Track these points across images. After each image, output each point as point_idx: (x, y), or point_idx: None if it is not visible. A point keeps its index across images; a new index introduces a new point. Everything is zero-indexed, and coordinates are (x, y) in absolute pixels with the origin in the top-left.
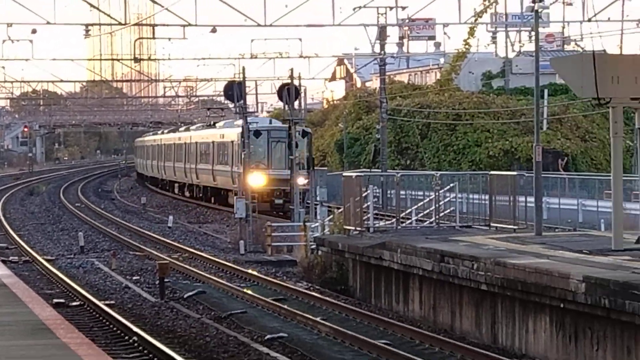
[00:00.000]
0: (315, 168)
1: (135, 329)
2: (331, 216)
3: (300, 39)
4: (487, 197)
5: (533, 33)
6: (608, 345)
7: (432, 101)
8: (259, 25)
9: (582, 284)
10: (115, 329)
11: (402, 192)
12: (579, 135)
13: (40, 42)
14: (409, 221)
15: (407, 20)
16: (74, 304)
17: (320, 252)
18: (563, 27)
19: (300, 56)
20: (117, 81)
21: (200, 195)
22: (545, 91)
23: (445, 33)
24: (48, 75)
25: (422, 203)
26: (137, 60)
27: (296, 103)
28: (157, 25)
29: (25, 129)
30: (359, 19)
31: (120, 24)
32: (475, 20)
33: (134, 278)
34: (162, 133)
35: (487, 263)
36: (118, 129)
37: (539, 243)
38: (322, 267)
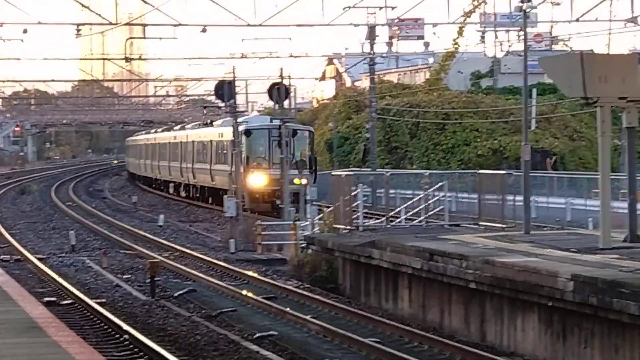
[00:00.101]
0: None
1: (126, 327)
2: (321, 215)
3: (290, 39)
4: (475, 196)
5: (521, 33)
6: (596, 343)
7: (421, 100)
8: (249, 25)
9: (570, 282)
10: (106, 327)
11: (392, 191)
12: (567, 134)
13: (32, 42)
14: (399, 220)
15: (396, 20)
16: (65, 302)
17: (310, 251)
18: (551, 27)
19: (291, 56)
20: (108, 81)
21: (197, 195)
22: (534, 90)
23: (434, 33)
24: (39, 75)
25: (411, 202)
26: (128, 59)
27: (286, 102)
28: (147, 25)
29: (17, 128)
30: (349, 19)
31: (111, 23)
32: (464, 20)
33: (125, 277)
34: (156, 132)
35: (476, 261)
36: (109, 128)
37: (527, 242)
38: (312, 266)
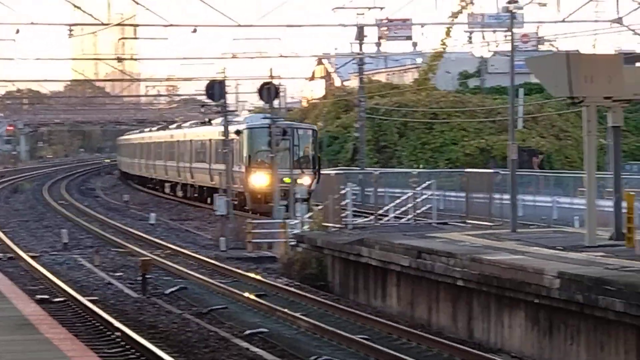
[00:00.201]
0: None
1: (117, 324)
2: (310, 213)
3: (280, 39)
4: (463, 194)
5: (508, 33)
6: (582, 340)
7: (409, 100)
8: (239, 25)
9: (557, 279)
10: (98, 324)
11: (380, 190)
12: (554, 133)
13: (25, 42)
14: (387, 218)
15: (384, 21)
16: (58, 299)
17: (299, 249)
18: (538, 28)
19: (280, 56)
20: (100, 80)
21: (196, 195)
22: (521, 90)
23: (422, 33)
24: (32, 75)
25: (399, 200)
26: (119, 59)
27: (276, 102)
28: (139, 25)
29: (10, 128)
30: (338, 20)
31: (103, 24)
32: (452, 20)
33: (117, 274)
34: (151, 131)
35: (464, 259)
36: (101, 128)
37: (514, 239)
38: (301, 264)
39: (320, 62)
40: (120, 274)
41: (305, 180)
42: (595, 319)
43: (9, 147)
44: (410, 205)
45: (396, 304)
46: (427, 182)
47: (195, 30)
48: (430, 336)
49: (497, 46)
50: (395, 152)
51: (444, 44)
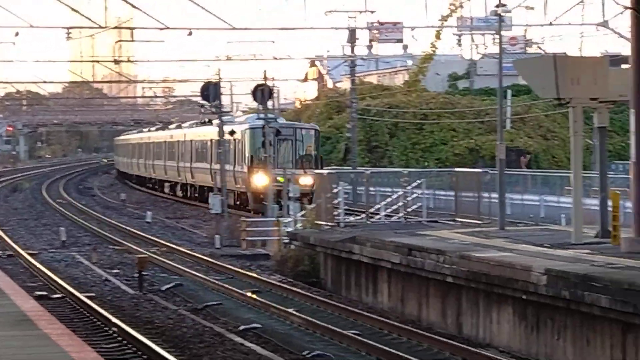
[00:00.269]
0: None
1: (114, 320)
2: (304, 212)
3: (273, 42)
4: (452, 193)
5: (497, 36)
6: (568, 335)
7: (400, 101)
8: (234, 28)
9: (544, 276)
10: (95, 320)
11: (372, 189)
12: (541, 133)
13: (24, 44)
14: (378, 216)
15: (376, 24)
16: (56, 296)
17: (293, 246)
18: (525, 31)
19: (274, 58)
20: (97, 82)
21: (196, 195)
22: (509, 92)
23: (412, 36)
24: (31, 76)
25: (390, 199)
26: (116, 62)
27: (270, 103)
28: (135, 28)
29: (9, 128)
30: (330, 23)
31: (100, 27)
32: (442, 23)
33: (114, 271)
34: (150, 130)
35: (453, 256)
36: (98, 128)
37: (502, 237)
38: (294, 261)
39: (313, 64)
40: (117, 271)
41: (308, 180)
42: (582, 315)
43: (9, 147)
44: (400, 203)
45: (387, 300)
46: (418, 181)
47: (190, 33)
48: (420, 331)
49: (485, 49)
50: (386, 152)
51: (433, 46)
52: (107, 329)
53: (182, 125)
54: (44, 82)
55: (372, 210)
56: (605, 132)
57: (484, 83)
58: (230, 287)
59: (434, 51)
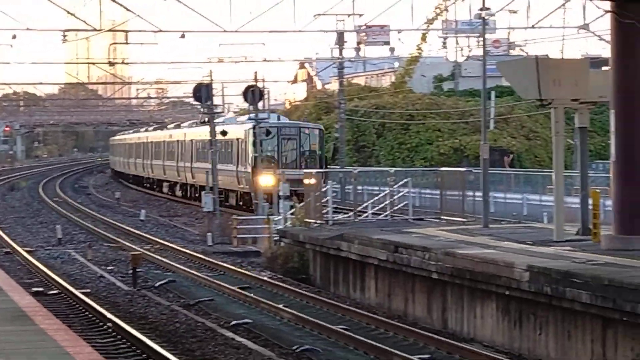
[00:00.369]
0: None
1: (109, 315)
2: (293, 210)
3: (264, 44)
4: (438, 192)
5: (481, 39)
6: (550, 329)
7: (387, 102)
8: (225, 31)
9: (526, 272)
10: (90, 315)
11: (359, 188)
12: (524, 134)
13: (21, 47)
14: (366, 214)
15: (363, 27)
16: (52, 292)
17: (282, 244)
18: (509, 33)
19: (264, 60)
20: (93, 83)
21: (196, 195)
22: (492, 93)
23: (399, 39)
24: (28, 78)
25: (377, 197)
26: (111, 64)
27: (260, 104)
28: (130, 31)
29: (7, 129)
30: (319, 26)
31: (95, 30)
32: (427, 27)
33: (109, 268)
34: (147, 130)
35: (438, 253)
36: (94, 129)
37: (486, 235)
38: (284, 258)
39: (302, 66)
40: (112, 267)
41: (312, 180)
42: (563, 310)
43: (6, 147)
44: (387, 202)
45: (374, 296)
46: (404, 180)
47: (183, 36)
48: (406, 326)
49: (470, 51)
50: (374, 152)
51: (419, 49)
52: (102, 324)
53: (182, 124)
54: (41, 83)
55: (359, 208)
56: (586, 132)
57: (469, 84)
58: (221, 284)
59: (419, 53)
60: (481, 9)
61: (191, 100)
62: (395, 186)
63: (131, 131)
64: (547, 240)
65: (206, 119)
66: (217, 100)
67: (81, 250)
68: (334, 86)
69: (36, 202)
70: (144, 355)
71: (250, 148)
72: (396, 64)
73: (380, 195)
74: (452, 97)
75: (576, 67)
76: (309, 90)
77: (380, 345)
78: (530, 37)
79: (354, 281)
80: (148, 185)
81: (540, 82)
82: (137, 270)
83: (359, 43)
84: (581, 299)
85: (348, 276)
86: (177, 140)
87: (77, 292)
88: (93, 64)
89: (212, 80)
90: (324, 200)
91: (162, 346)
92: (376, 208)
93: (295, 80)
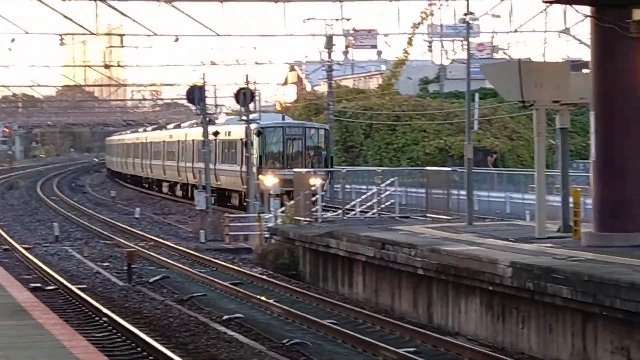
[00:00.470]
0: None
1: (105, 310)
2: (283, 208)
3: (255, 48)
4: (423, 190)
5: (465, 42)
6: (532, 324)
7: (374, 104)
8: (218, 35)
9: (509, 268)
10: (87, 310)
11: (348, 186)
12: (507, 134)
13: (19, 50)
14: (354, 212)
15: (351, 31)
16: (49, 288)
17: (273, 241)
18: (492, 37)
19: (256, 63)
20: (89, 86)
21: None
22: (476, 95)
23: (386, 42)
24: (26, 80)
25: (365, 196)
26: (107, 66)
27: (251, 105)
28: (125, 34)
29: (6, 129)
30: (309, 30)
31: (92, 33)
32: (413, 30)
33: (104, 264)
34: (145, 130)
35: (424, 250)
36: (90, 129)
37: (470, 232)
38: (275, 254)
39: (292, 69)
40: (108, 264)
41: (317, 180)
42: (545, 305)
43: (5, 147)
44: (375, 200)
45: (362, 291)
46: (391, 179)
47: (177, 40)
48: (393, 321)
49: (454, 54)
50: (361, 152)
51: (406, 52)
52: (97, 318)
53: (182, 124)
54: (39, 85)
55: (348, 206)
56: (566, 133)
57: (453, 87)
58: (214, 279)
59: (406, 57)
60: (465, 14)
61: (184, 102)
62: (382, 185)
63: (128, 131)
64: (529, 237)
65: (207, 120)
66: (209, 102)
67: (78, 247)
68: (323, 88)
69: (34, 201)
70: (138, 349)
71: (256, 149)
72: (383, 67)
73: (368, 193)
74: (437, 98)
75: (557, 70)
76: (298, 92)
77: (367, 339)
78: (513, 41)
79: (342, 277)
80: (147, 185)
81: (523, 84)
82: (132, 266)
83: (347, 46)
84: (562, 294)
85: (337, 272)
86: (178, 141)
87: (73, 288)
88: (89, 66)
89: (205, 82)
90: (314, 198)
91: (156, 340)
92: (364, 206)
93: (285, 83)
